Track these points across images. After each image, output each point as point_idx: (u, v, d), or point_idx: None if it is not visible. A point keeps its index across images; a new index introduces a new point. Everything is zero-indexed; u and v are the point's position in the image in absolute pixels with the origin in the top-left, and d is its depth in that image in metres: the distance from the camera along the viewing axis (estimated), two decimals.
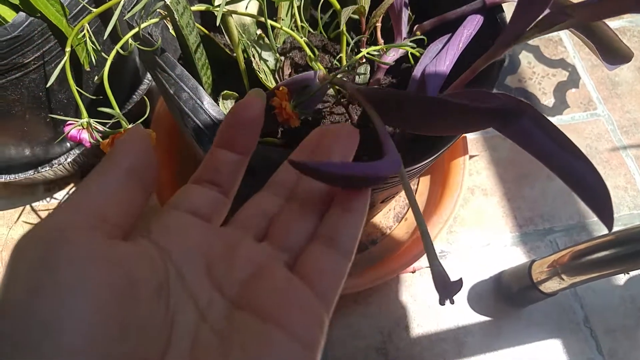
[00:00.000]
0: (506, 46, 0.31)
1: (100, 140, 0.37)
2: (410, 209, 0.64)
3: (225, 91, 0.47)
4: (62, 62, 0.37)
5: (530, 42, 0.79)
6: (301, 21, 0.54)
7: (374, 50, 0.52)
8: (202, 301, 0.20)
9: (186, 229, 0.22)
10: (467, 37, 0.45)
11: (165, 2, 0.40)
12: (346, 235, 0.22)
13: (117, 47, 0.39)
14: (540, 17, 0.29)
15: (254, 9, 0.55)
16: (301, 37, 0.54)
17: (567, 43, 0.78)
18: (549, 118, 0.72)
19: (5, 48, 0.41)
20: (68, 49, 0.33)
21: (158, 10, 0.41)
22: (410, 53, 0.47)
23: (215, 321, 0.19)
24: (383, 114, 0.34)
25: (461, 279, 0.21)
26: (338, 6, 0.45)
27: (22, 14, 0.41)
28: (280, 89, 0.38)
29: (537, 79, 0.76)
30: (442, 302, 0.22)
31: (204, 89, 0.48)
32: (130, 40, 0.40)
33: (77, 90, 0.35)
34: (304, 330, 0.19)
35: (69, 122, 0.36)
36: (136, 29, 0.39)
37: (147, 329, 0.17)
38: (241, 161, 0.25)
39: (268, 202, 0.25)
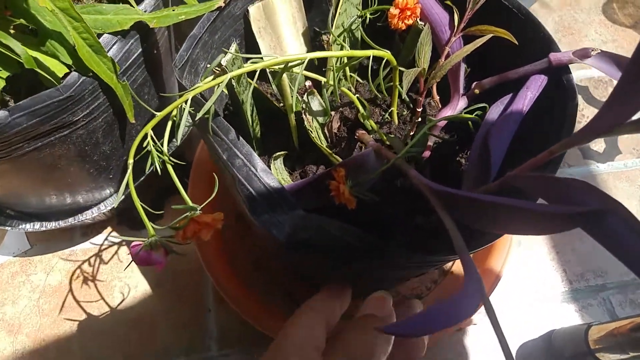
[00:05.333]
0: (596, 135, 0.29)
1: (174, 251, 0.36)
2: (454, 262, 0.61)
3: (277, 153, 0.46)
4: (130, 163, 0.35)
5: (579, 82, 0.76)
6: (350, 71, 0.52)
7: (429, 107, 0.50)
8: None
9: None
10: (531, 99, 0.42)
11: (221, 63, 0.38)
12: None
13: (167, 111, 0.37)
14: None
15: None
16: (352, 92, 0.52)
17: None
18: (600, 165, 0.70)
19: (57, 108, 0.40)
20: (130, 160, 0.32)
21: (212, 69, 0.40)
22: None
23: None
24: (454, 213, 0.32)
25: None
26: (395, 62, 0.43)
27: (75, 74, 0.40)
28: (338, 170, 0.37)
29: (587, 122, 0.72)
30: None
31: (254, 146, 0.47)
32: (183, 104, 0.39)
33: (142, 207, 0.34)
34: None
35: (134, 244, 0.35)
36: (189, 93, 0.37)
37: None
38: None
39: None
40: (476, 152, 0.41)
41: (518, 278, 0.62)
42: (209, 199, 0.37)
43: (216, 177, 0.38)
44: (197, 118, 0.36)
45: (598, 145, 0.71)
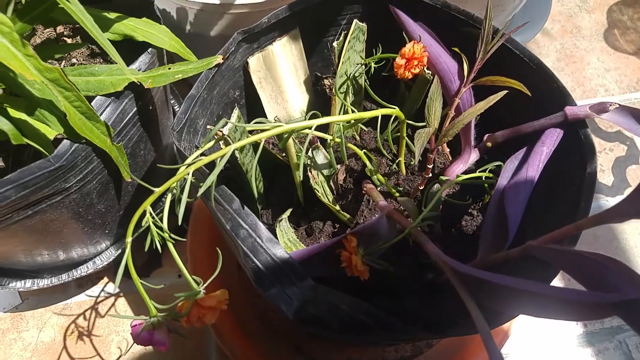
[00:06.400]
0: (629, 218, 0.27)
1: (178, 332, 0.34)
2: None
3: (281, 213, 0.43)
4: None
5: None
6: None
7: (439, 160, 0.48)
8: None
9: None
10: (547, 155, 0.41)
11: (223, 133, 0.36)
12: None
13: (165, 187, 0.35)
14: None
15: (305, 101, 0.52)
16: (357, 140, 0.50)
17: None
18: (610, 199, 0.68)
19: (48, 178, 0.38)
20: (129, 239, 0.30)
21: (214, 134, 0.37)
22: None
23: None
24: (476, 294, 0.30)
25: None
26: (403, 117, 0.42)
27: (67, 142, 0.38)
28: (349, 240, 0.35)
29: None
30: None
31: (257, 201, 0.45)
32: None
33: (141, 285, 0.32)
34: None
35: (135, 323, 0.32)
36: (189, 166, 0.35)
37: None
38: None
39: None
40: (492, 215, 0.39)
41: (531, 321, 0.60)
42: (213, 277, 0.35)
43: (219, 252, 0.36)
44: (199, 193, 0.33)
45: (607, 178, 0.69)
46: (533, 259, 0.34)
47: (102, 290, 0.60)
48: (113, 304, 0.60)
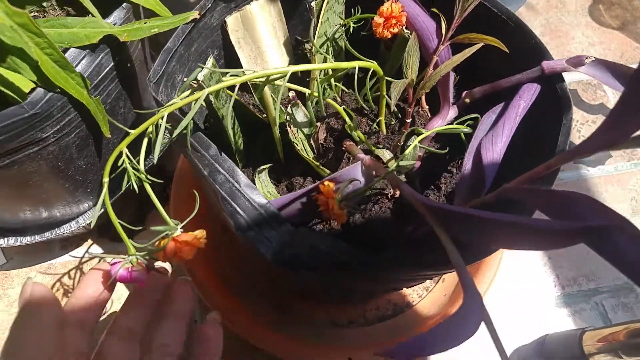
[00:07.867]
0: (597, 150, 0.27)
1: (154, 268, 0.34)
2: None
3: (261, 166, 0.44)
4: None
5: (568, 85, 0.75)
6: (335, 80, 0.50)
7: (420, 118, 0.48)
8: None
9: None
10: (524, 108, 0.41)
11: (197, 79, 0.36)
12: None
13: (141, 128, 0.35)
14: None
15: (285, 63, 0.52)
16: (338, 102, 0.50)
17: (606, 87, 0.74)
18: (590, 169, 0.69)
19: (23, 125, 0.38)
20: (105, 179, 0.30)
21: (190, 83, 0.38)
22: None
23: None
24: (451, 229, 0.30)
25: None
26: (381, 73, 0.42)
27: (41, 90, 0.38)
28: (326, 184, 0.35)
29: (576, 126, 0.72)
30: None
31: (237, 158, 0.45)
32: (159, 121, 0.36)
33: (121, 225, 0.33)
34: None
35: (114, 262, 0.33)
36: (165, 110, 0.35)
37: None
38: None
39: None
40: (469, 164, 0.39)
41: (511, 283, 0.61)
42: (189, 218, 0.35)
43: (197, 194, 0.36)
44: (174, 135, 0.34)
45: None
46: (508, 202, 0.35)
47: (87, 251, 0.60)
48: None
